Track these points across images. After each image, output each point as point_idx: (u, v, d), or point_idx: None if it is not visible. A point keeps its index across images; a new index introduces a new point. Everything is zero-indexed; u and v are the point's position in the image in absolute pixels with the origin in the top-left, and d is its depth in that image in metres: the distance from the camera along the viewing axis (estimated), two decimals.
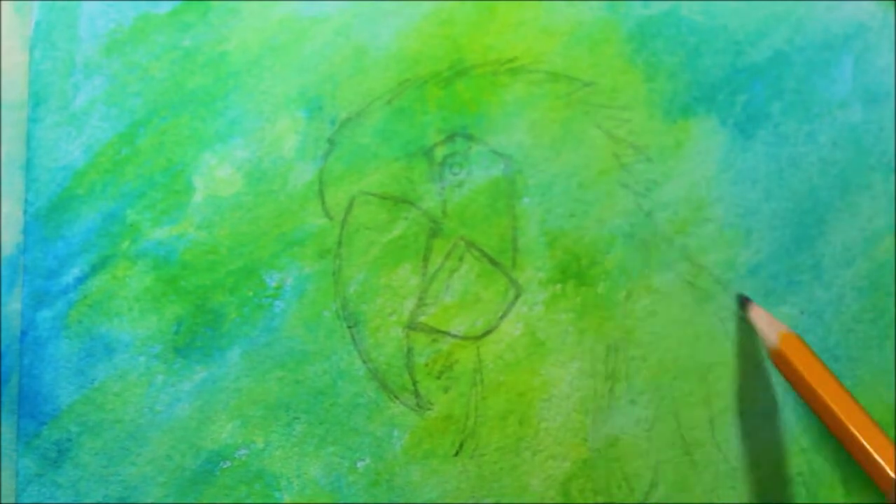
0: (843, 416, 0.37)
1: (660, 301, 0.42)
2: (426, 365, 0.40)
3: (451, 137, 0.41)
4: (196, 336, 0.38)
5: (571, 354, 0.41)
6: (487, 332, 0.41)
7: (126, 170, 0.38)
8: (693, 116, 0.43)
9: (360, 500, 0.38)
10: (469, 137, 0.41)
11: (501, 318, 0.41)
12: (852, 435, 0.37)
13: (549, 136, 0.42)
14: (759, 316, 0.40)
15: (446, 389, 0.40)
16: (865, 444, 0.37)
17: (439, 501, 0.39)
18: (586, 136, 0.42)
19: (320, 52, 0.40)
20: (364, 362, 0.39)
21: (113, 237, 0.37)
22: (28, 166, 0.37)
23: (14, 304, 0.37)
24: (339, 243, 0.39)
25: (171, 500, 0.37)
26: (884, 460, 0.36)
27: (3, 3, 0.38)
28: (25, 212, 0.37)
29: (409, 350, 0.40)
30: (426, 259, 0.40)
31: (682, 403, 0.42)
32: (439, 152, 0.41)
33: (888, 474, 0.36)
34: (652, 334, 0.42)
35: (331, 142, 0.40)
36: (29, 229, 0.37)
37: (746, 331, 0.41)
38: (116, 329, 0.37)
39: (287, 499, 0.38)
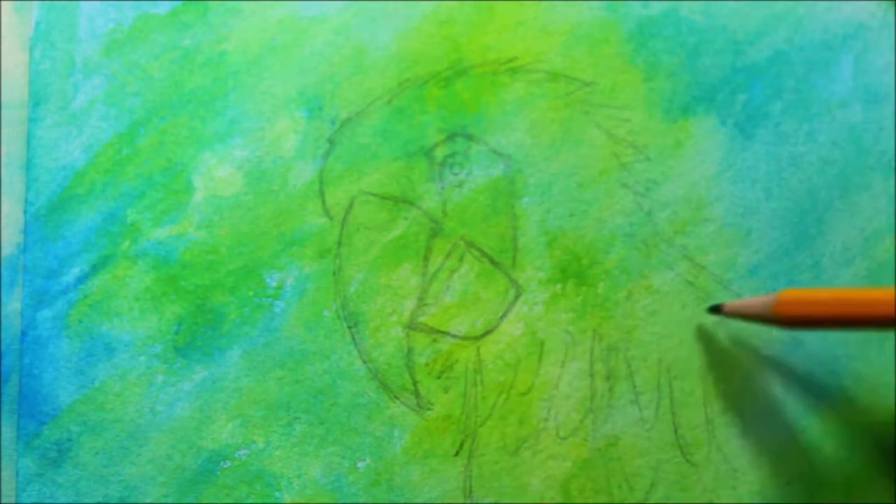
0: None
1: (660, 301, 0.42)
2: (426, 365, 0.40)
3: (450, 137, 0.41)
4: (196, 336, 0.38)
5: (571, 354, 0.41)
6: (487, 332, 0.41)
7: (126, 170, 0.38)
8: (693, 116, 0.43)
9: (360, 500, 0.38)
10: (469, 137, 0.41)
11: (501, 318, 0.41)
12: None
13: (549, 135, 0.42)
14: (737, 304, 0.40)
15: (446, 389, 0.40)
16: None
17: (439, 501, 0.39)
18: (586, 135, 0.42)
19: (320, 52, 0.40)
20: (364, 362, 0.39)
21: (113, 237, 0.37)
22: (28, 166, 0.37)
23: (14, 304, 0.37)
24: (339, 243, 0.39)
25: (171, 500, 0.37)
26: None
27: (3, 3, 0.38)
28: (25, 212, 0.37)
29: (409, 350, 0.40)
30: (426, 259, 0.40)
31: (682, 403, 0.42)
32: (439, 152, 0.41)
33: None
34: (652, 334, 0.42)
35: (331, 141, 0.40)
36: (29, 229, 0.37)
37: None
38: (116, 329, 0.37)
39: (287, 499, 0.38)
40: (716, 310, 0.41)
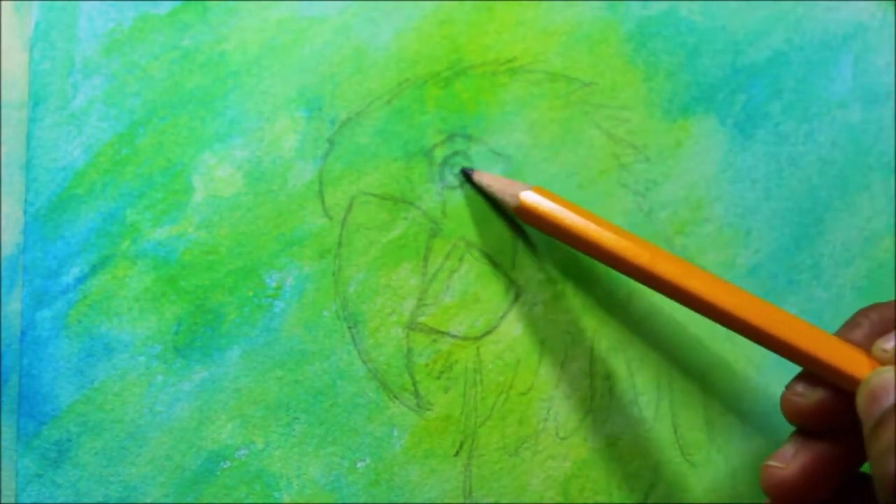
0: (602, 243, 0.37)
1: (660, 301, 0.42)
2: (426, 365, 0.40)
3: (450, 137, 0.41)
4: (196, 336, 0.38)
5: (571, 354, 0.41)
6: (487, 333, 0.41)
7: (126, 170, 0.38)
8: (692, 116, 0.43)
9: (360, 500, 0.38)
10: (468, 137, 0.41)
11: (501, 318, 0.41)
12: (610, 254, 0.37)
13: (549, 136, 0.42)
14: (489, 178, 0.40)
15: (446, 389, 0.40)
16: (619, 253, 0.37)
17: (439, 501, 0.39)
18: (585, 135, 0.42)
19: (320, 52, 0.40)
20: (364, 362, 0.39)
21: (113, 237, 0.37)
22: (28, 166, 0.37)
23: (14, 304, 0.37)
24: (339, 243, 0.39)
25: (171, 500, 0.37)
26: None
27: (3, 3, 0.38)
28: (25, 212, 0.37)
29: (409, 350, 0.40)
30: (426, 259, 0.40)
31: (682, 404, 0.42)
32: (439, 152, 0.41)
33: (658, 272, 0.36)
34: (652, 334, 0.42)
35: (330, 142, 0.40)
36: (29, 229, 0.37)
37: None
38: (116, 329, 0.37)
39: (287, 499, 0.38)
40: (467, 174, 0.40)
